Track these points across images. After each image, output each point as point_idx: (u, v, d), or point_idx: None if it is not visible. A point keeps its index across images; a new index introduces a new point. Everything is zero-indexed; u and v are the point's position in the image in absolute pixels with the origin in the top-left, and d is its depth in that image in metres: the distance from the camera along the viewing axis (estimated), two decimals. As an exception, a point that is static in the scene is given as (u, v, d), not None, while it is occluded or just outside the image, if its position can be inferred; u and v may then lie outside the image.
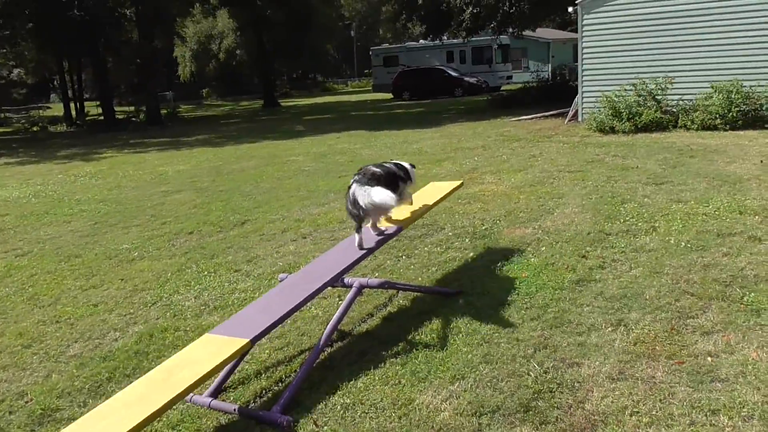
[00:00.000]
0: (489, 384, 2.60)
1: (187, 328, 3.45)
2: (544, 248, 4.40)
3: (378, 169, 3.39)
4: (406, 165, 3.74)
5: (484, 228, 5.10)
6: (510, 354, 2.87)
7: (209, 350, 2.37)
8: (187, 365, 2.25)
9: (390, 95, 24.77)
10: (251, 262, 4.56)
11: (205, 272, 4.40)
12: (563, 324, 3.15)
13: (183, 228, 5.70)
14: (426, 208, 3.69)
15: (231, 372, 2.73)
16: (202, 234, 5.47)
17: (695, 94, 9.31)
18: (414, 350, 2.97)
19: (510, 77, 24.51)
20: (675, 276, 3.62)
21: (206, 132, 16.98)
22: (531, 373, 2.66)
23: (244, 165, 9.69)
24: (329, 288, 3.63)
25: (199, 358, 2.31)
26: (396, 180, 3.54)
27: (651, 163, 7.43)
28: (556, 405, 2.43)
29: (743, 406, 2.31)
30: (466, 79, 22.67)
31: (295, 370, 2.87)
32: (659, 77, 9.58)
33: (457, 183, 4.18)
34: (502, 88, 22.49)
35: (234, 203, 6.72)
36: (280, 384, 2.80)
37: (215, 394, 2.65)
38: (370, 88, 31.85)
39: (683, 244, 4.17)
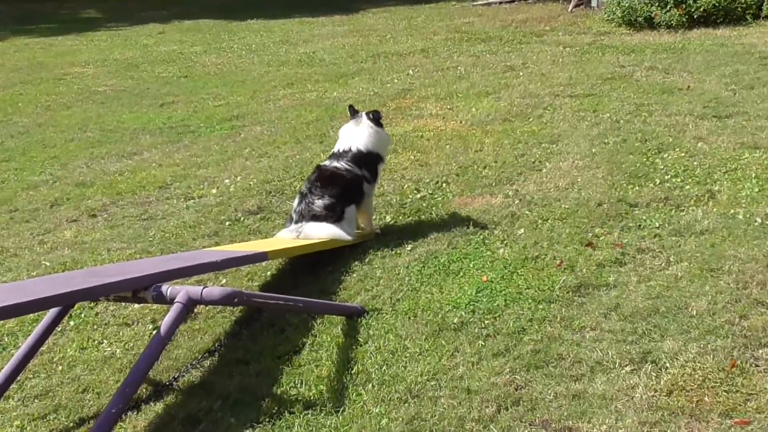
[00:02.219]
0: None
1: None
2: (522, 231, 4.51)
3: (329, 187, 4.40)
4: (366, 129, 4.62)
5: (418, 196, 5.36)
6: (455, 416, 2.84)
7: None
8: None
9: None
10: (-10, 263, 4.54)
11: None
12: (549, 361, 3.16)
13: None
14: (306, 249, 4.25)
15: None
16: None
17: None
18: (288, 413, 2.95)
19: None
20: (742, 276, 3.66)
21: None
22: (491, 454, 2.67)
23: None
24: (137, 309, 3.97)
25: None
26: (356, 186, 4.49)
27: (712, 80, 7.55)
28: None
29: None
30: None
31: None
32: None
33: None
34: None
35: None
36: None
37: None
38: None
39: (759, 221, 4.28)
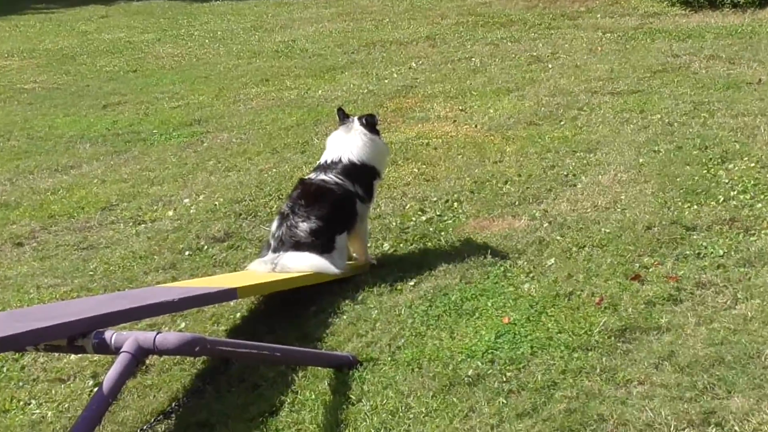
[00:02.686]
0: None
1: None
2: (552, 261, 4.57)
3: (315, 205, 4.50)
4: (359, 137, 4.73)
5: (424, 218, 5.41)
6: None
7: None
8: None
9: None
10: None
11: None
12: (587, 424, 3.18)
13: None
14: (286, 283, 4.35)
15: None
16: None
17: None
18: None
19: None
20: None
21: None
22: None
23: None
24: (74, 361, 3.97)
25: None
26: (348, 205, 4.59)
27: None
28: None
29: None
30: None
31: None
32: None
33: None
34: None
35: None
36: None
37: None
38: None
39: None
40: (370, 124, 4.77)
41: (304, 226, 4.45)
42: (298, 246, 4.42)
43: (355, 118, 4.79)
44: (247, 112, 8.22)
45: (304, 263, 4.38)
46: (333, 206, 4.51)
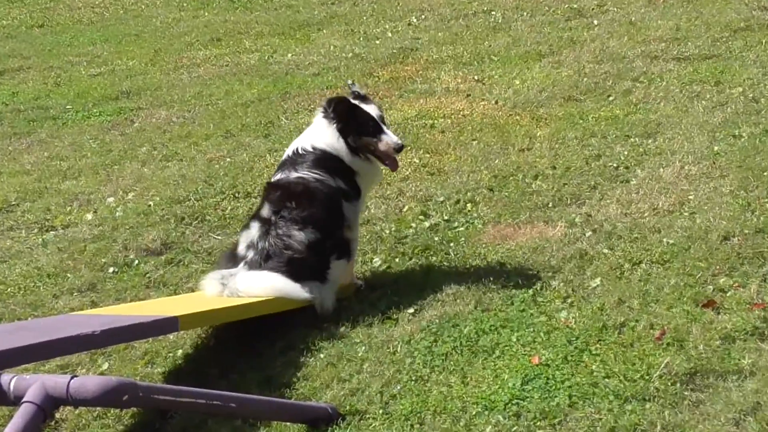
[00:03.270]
0: None
1: None
2: (597, 282, 4.64)
3: (309, 208, 4.59)
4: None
5: (427, 225, 5.45)
6: None
7: None
8: None
9: None
10: None
11: None
12: None
13: None
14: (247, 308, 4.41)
15: None
16: None
17: None
18: None
19: None
20: None
21: None
22: None
23: None
24: None
25: None
26: (337, 207, 4.69)
27: None
28: None
29: None
30: None
31: None
32: None
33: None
34: None
35: None
36: None
37: None
38: None
39: None
40: (361, 96, 4.84)
41: (299, 237, 4.50)
42: (292, 263, 4.46)
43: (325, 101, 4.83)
44: (192, 83, 8.21)
45: (262, 284, 4.39)
46: (327, 211, 4.59)
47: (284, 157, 4.83)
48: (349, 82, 5.18)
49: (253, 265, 4.49)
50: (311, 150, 4.67)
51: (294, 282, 4.42)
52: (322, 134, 4.69)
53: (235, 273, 4.46)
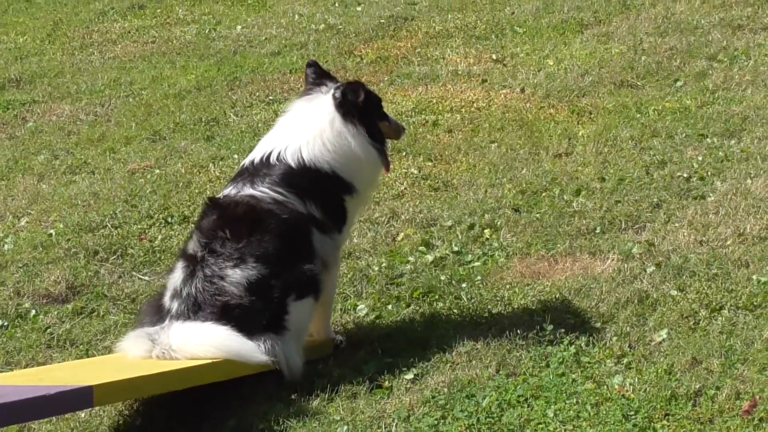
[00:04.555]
0: None
1: None
2: (664, 335, 4.69)
3: (251, 237, 4.62)
4: (326, 118, 4.81)
5: (430, 259, 5.50)
6: None
7: None
8: None
9: None
10: None
11: None
12: None
13: None
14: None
15: None
16: None
17: None
18: None
19: None
20: None
21: None
22: None
23: None
24: None
25: None
26: (301, 238, 4.73)
27: None
28: None
29: None
30: None
31: None
32: None
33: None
34: None
35: None
36: None
37: None
38: None
39: None
40: (352, 102, 4.77)
41: (236, 275, 4.51)
42: (227, 311, 4.47)
43: (333, 88, 4.84)
44: (105, 66, 8.23)
45: (204, 342, 4.39)
46: (280, 240, 4.59)
47: (245, 163, 4.84)
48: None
49: (180, 320, 4.50)
50: (288, 161, 4.69)
51: (243, 341, 4.42)
52: (322, 135, 4.73)
53: (170, 328, 4.47)
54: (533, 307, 4.87)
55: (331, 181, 4.73)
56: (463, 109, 6.88)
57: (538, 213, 5.66)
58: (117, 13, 9.45)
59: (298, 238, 4.65)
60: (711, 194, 5.67)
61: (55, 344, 4.95)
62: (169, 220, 5.82)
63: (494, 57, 7.68)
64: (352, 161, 4.80)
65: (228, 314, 4.44)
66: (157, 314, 4.59)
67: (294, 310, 4.56)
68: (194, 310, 4.49)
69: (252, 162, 4.75)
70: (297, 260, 4.61)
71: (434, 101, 7.06)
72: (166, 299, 4.61)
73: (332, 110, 4.75)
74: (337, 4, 9.10)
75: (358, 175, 4.87)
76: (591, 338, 4.62)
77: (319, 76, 4.88)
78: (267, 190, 4.65)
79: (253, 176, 4.70)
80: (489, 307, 4.96)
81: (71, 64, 8.36)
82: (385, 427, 4.21)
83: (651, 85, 6.97)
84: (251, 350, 4.41)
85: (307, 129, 4.74)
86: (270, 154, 4.72)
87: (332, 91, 4.80)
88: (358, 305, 5.07)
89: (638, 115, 6.55)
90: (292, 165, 4.68)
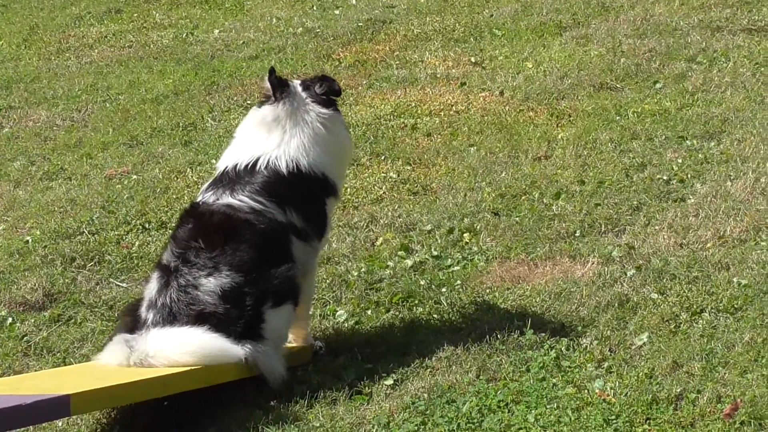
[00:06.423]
0: None
1: None
2: (644, 339, 4.69)
3: (226, 246, 4.61)
4: (304, 117, 4.85)
5: (409, 264, 5.50)
6: None
7: None
8: None
9: None
10: None
11: None
12: None
13: None
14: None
15: None
16: None
17: None
18: None
19: None
20: None
21: None
22: None
23: None
24: None
25: None
26: (280, 247, 4.72)
27: None
28: None
29: None
30: None
31: None
32: None
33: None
34: None
35: None
36: None
37: None
38: None
39: None
40: (327, 93, 4.82)
41: (209, 284, 4.49)
42: (202, 320, 4.43)
43: (298, 84, 4.85)
44: (82, 71, 8.21)
45: (184, 348, 4.37)
46: (256, 249, 4.57)
47: (227, 166, 4.81)
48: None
49: (155, 326, 4.49)
50: (281, 168, 4.68)
51: (226, 344, 4.40)
52: (320, 137, 4.74)
53: (148, 334, 4.45)
54: (513, 312, 4.87)
55: (319, 185, 4.75)
56: (442, 113, 6.89)
57: (517, 217, 5.66)
58: (94, 17, 9.43)
59: (275, 247, 4.63)
60: (691, 197, 5.68)
61: (31, 352, 4.93)
62: (147, 226, 5.80)
63: (473, 60, 7.69)
64: (342, 157, 4.91)
65: (203, 323, 4.41)
66: (134, 324, 4.56)
67: (271, 318, 4.55)
68: (169, 320, 4.47)
69: (235, 167, 4.71)
70: (273, 269, 4.58)
71: (413, 105, 7.07)
72: (143, 310, 4.58)
73: (323, 109, 4.78)
74: (315, 8, 9.10)
75: (342, 170, 4.98)
76: (571, 342, 4.62)
77: (279, 84, 4.83)
78: (246, 199, 4.64)
79: (233, 183, 4.68)
80: (469, 311, 4.96)
81: (48, 69, 8.34)
82: (365, 433, 4.19)
83: (630, 88, 6.99)
84: (227, 347, 4.40)
85: (299, 134, 4.74)
86: (257, 161, 4.69)
87: (300, 83, 4.88)
88: (337, 311, 5.07)
89: (617, 118, 6.57)
90: (283, 173, 4.67)
